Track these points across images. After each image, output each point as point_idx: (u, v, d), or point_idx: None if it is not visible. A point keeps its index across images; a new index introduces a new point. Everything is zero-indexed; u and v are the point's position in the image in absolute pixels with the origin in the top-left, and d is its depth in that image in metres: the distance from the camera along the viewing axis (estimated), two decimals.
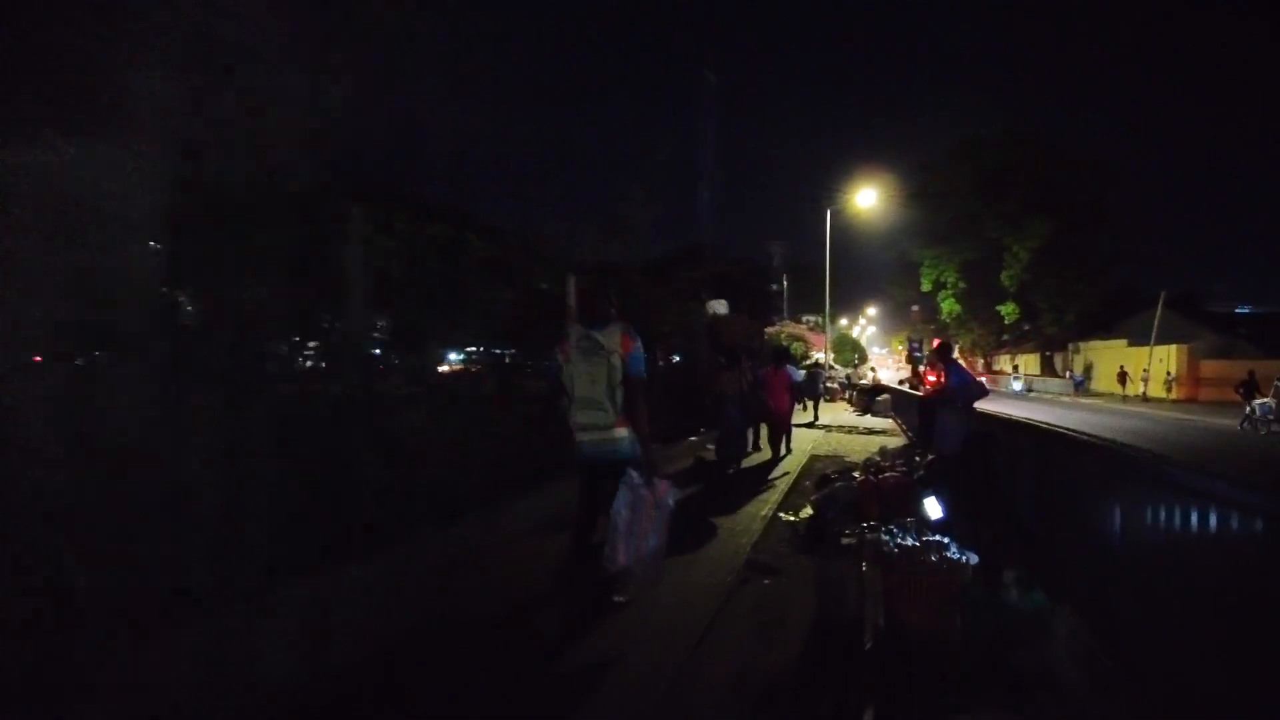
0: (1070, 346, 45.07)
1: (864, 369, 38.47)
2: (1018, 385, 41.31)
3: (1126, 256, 43.66)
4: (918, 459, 7.80)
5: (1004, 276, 41.89)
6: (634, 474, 3.78)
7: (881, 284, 60.28)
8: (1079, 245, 41.72)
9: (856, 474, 7.70)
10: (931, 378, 11.05)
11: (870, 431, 15.50)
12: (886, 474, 6.79)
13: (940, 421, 8.03)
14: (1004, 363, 61.36)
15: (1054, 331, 44.13)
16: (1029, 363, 49.18)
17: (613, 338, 3.82)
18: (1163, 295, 33.06)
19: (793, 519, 6.49)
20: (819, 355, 30.67)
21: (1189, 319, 37.85)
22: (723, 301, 11.33)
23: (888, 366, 43.82)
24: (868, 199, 29.86)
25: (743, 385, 8.97)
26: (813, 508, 6.62)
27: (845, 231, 39.47)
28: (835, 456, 10.84)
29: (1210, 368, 32.00)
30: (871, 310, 74.39)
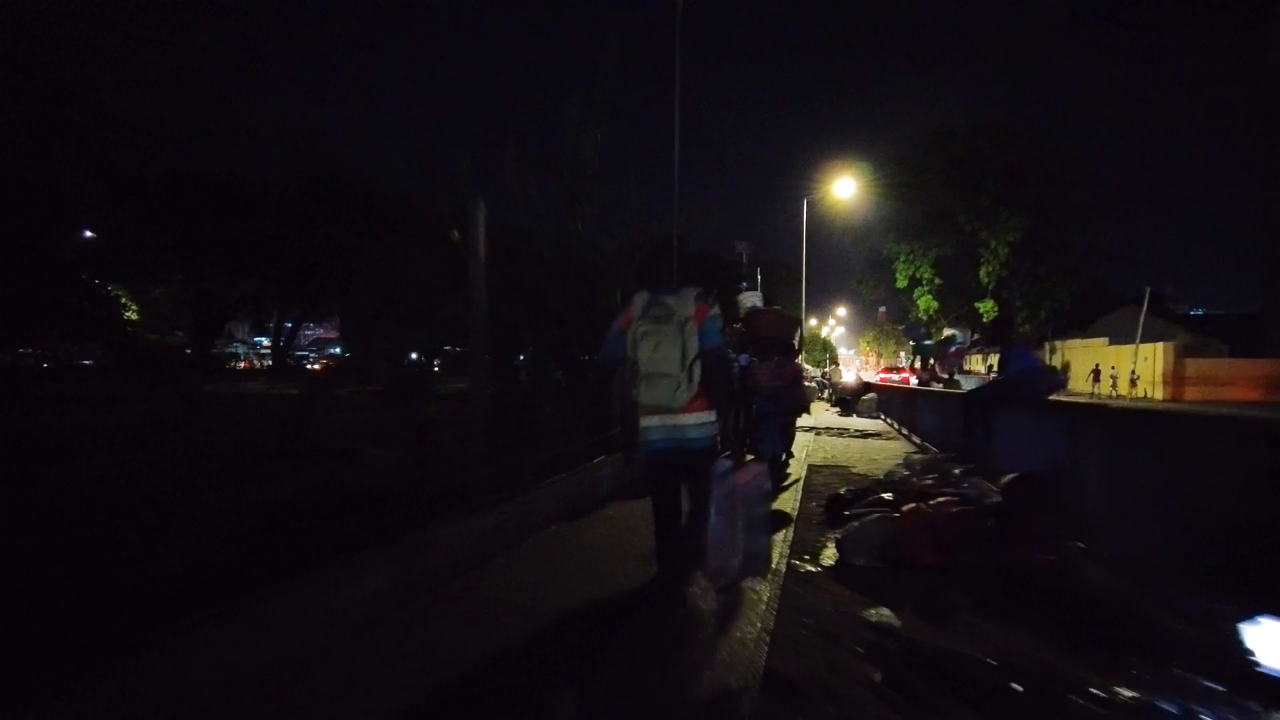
0: (1047, 345, 44.16)
1: (837, 369, 37.13)
2: None
3: (1098, 253, 42.81)
4: (959, 473, 5.89)
5: (982, 272, 40.71)
6: (721, 464, 3.29)
7: (851, 284, 58.87)
8: (1052, 241, 40.87)
9: (886, 496, 5.76)
10: (905, 373, 9.33)
11: (864, 435, 13.65)
12: (937, 499, 4.83)
13: (1008, 425, 6.10)
14: (975, 362, 60.51)
15: (1028, 330, 43.11)
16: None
17: (686, 303, 3.33)
18: (1148, 292, 32.03)
19: (813, 568, 4.48)
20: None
21: (1158, 318, 37.29)
22: (756, 294, 9.89)
23: (855, 367, 42.40)
24: (846, 188, 28.41)
25: (778, 380, 8.11)
26: (838, 550, 4.65)
27: (815, 229, 37.98)
28: (837, 467, 8.89)
29: (1195, 367, 30.98)
30: (841, 311, 73.27)
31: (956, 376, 22.56)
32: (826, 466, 8.89)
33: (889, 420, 17.21)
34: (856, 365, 43.54)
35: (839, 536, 4.74)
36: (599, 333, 6.51)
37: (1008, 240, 39.50)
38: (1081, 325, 43.62)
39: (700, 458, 3.31)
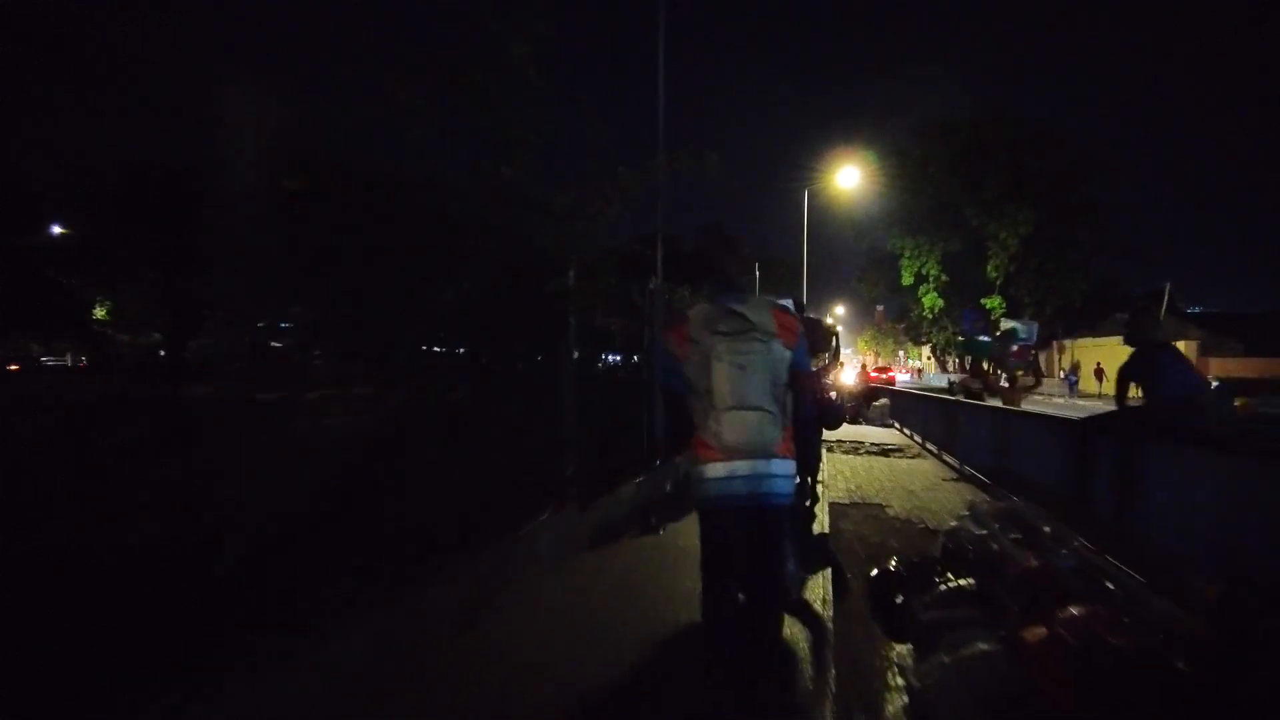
0: (1055, 344, 42.69)
1: (839, 368, 35.16)
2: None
3: (1107, 249, 41.29)
4: (1074, 546, 4.05)
5: (989, 267, 39.05)
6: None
7: (848, 282, 57.13)
8: (1059, 235, 39.26)
9: (966, 583, 3.94)
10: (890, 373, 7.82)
11: (884, 450, 11.79)
12: (1071, 609, 2.95)
13: (1162, 476, 4.23)
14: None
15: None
16: None
17: (762, 314, 2.63)
18: (1168, 288, 30.22)
19: None
20: None
21: (1170, 315, 35.67)
22: (788, 300, 7.84)
23: (859, 366, 40.71)
24: (849, 178, 26.60)
25: (817, 392, 6.52)
26: (919, 706, 2.81)
27: (813, 224, 36.28)
28: (867, 504, 7.04)
29: (1220, 366, 29.25)
30: (840, 309, 71.59)
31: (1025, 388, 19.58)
32: (854, 505, 7.00)
33: (905, 430, 15.37)
34: (861, 364, 41.78)
35: (917, 679, 2.88)
36: (541, 325, 4.73)
37: (1018, 233, 37.95)
38: (1090, 323, 41.99)
39: (781, 516, 2.65)
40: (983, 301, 40.32)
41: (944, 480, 8.63)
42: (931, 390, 25.34)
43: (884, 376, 40.29)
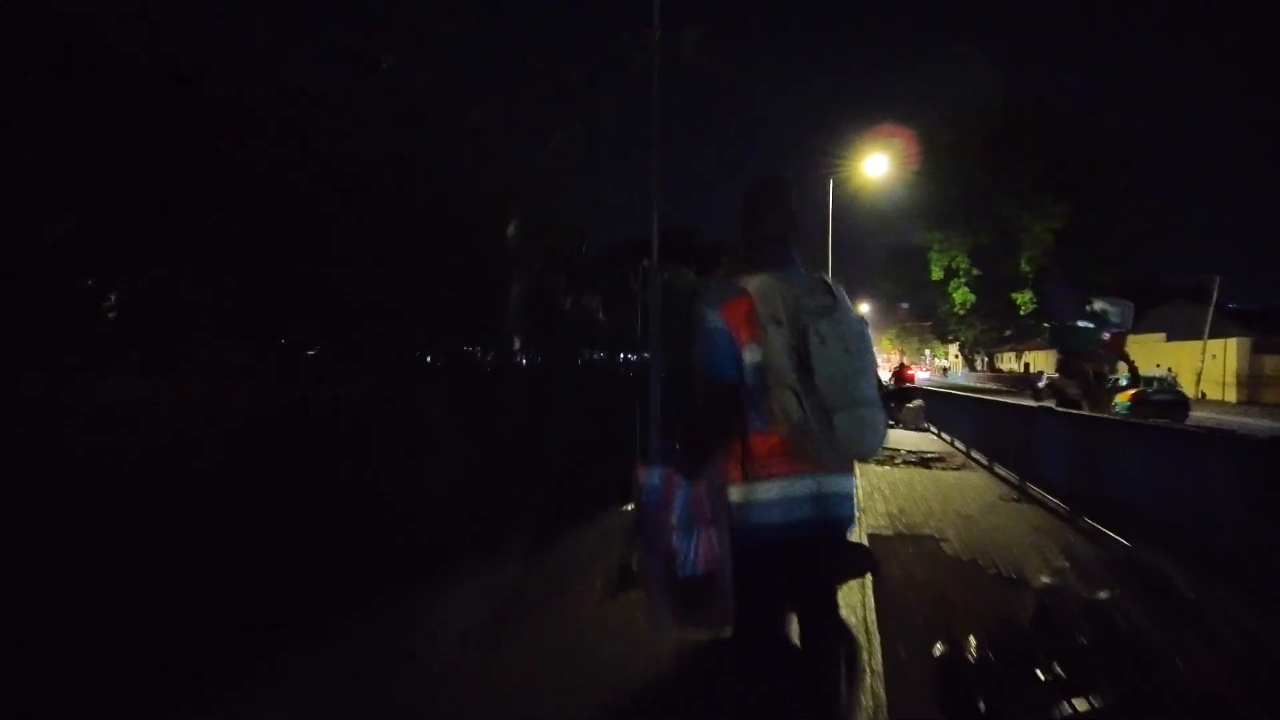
0: None
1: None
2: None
3: (1144, 242, 39.70)
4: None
5: (1022, 260, 37.59)
6: None
7: (871, 279, 55.41)
8: (1094, 228, 37.71)
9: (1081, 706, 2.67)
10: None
11: (923, 460, 10.45)
12: None
13: None
14: (1007, 360, 57.09)
15: None
16: (1039, 360, 44.72)
17: (839, 291, 2.15)
18: (1217, 282, 28.45)
19: None
20: None
21: (1202, 307, 33.94)
22: None
23: (895, 363, 39.12)
24: (877, 166, 25.14)
25: None
26: None
27: (836, 218, 34.89)
28: (915, 536, 5.73)
29: (1274, 364, 27.42)
30: (864, 307, 69.87)
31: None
32: (900, 537, 5.67)
33: (943, 435, 13.96)
34: (900, 361, 40.25)
35: None
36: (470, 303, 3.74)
37: (1052, 226, 36.50)
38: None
39: (845, 543, 2.28)
40: (1013, 296, 38.91)
41: (1003, 500, 7.27)
42: (959, 389, 23.81)
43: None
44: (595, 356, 5.93)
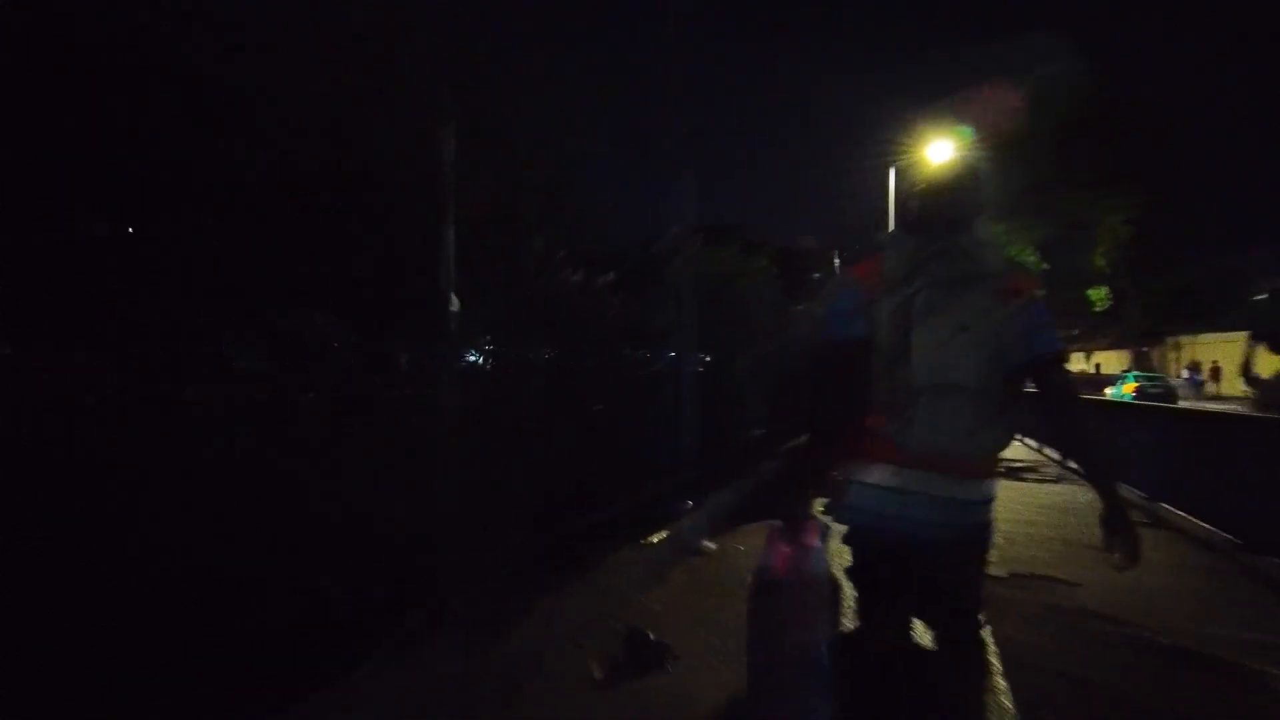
0: (1168, 340, 38.59)
1: None
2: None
3: (1223, 235, 37.56)
4: None
5: (1096, 255, 35.36)
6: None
7: None
8: (1171, 221, 35.51)
9: None
10: None
11: (1011, 471, 8.95)
12: None
13: None
14: (1076, 361, 54.20)
15: (1146, 323, 37.90)
16: (1108, 361, 42.27)
17: (996, 258, 1.92)
18: None
19: None
20: None
21: None
22: None
23: None
24: (940, 153, 23.67)
25: None
26: None
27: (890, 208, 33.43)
28: (1038, 580, 4.50)
29: None
30: None
31: None
32: (1016, 580, 4.34)
33: (1028, 440, 12.38)
34: None
35: None
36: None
37: (1127, 218, 34.41)
38: (1206, 317, 37.64)
39: (979, 550, 1.90)
40: (1087, 293, 36.72)
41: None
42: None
43: None
44: (640, 355, 4.81)
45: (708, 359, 6.77)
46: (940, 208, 1.92)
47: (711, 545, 4.56)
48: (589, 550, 3.54)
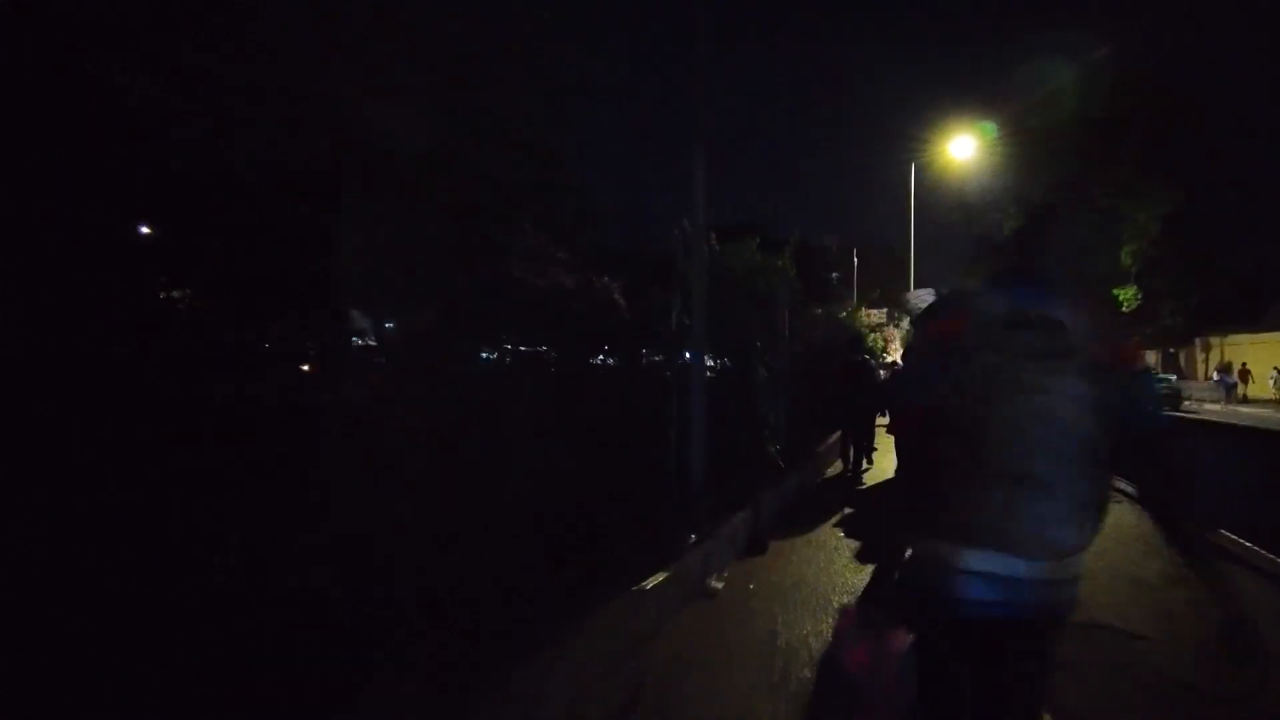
0: (1198, 341, 37.70)
1: None
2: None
3: (1260, 232, 36.54)
4: None
5: (1124, 252, 34.37)
6: None
7: (953, 272, 52.43)
8: (1204, 217, 34.44)
9: None
10: None
11: None
12: None
13: None
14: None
15: (1175, 323, 36.98)
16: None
17: (1081, 322, 1.67)
18: None
19: None
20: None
21: None
22: (929, 291, 8.96)
23: None
24: (963, 149, 23.15)
25: None
26: None
27: (917, 208, 32.78)
28: (1096, 631, 3.87)
29: None
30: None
31: None
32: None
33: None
34: None
35: None
36: None
37: (1159, 214, 33.52)
38: (1238, 318, 36.59)
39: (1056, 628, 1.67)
40: (1115, 292, 35.80)
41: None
42: None
43: None
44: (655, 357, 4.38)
45: (721, 363, 6.24)
46: (1043, 266, 1.77)
47: (718, 585, 4.08)
48: (564, 608, 2.98)
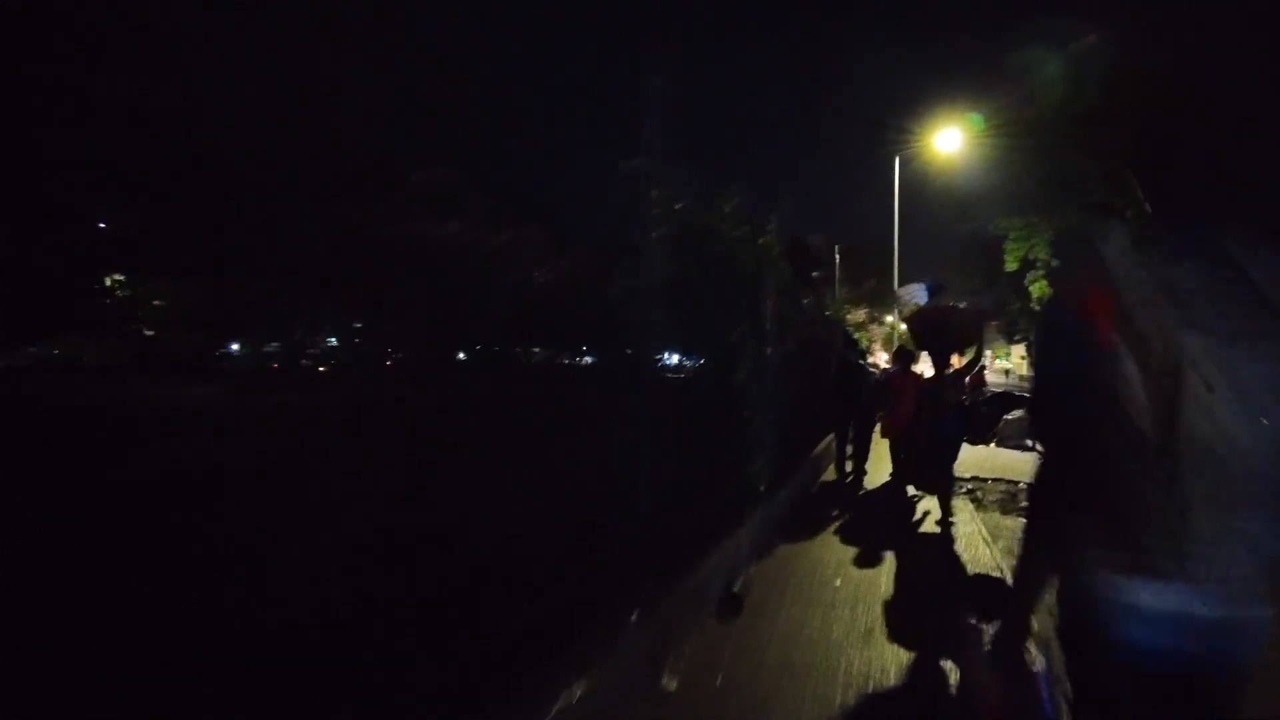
0: None
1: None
2: None
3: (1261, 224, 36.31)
4: None
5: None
6: None
7: (939, 272, 52.32)
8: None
9: None
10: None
11: None
12: None
13: None
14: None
15: None
16: None
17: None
18: None
19: None
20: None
21: None
22: (922, 286, 9.43)
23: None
24: (950, 141, 22.65)
25: (961, 397, 6.23)
26: None
27: (902, 206, 32.16)
28: None
29: None
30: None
31: None
32: None
33: None
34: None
35: None
36: None
37: (1147, 208, 33.26)
38: None
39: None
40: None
41: None
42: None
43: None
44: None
45: (695, 363, 5.14)
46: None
47: (672, 684, 2.94)
48: None
